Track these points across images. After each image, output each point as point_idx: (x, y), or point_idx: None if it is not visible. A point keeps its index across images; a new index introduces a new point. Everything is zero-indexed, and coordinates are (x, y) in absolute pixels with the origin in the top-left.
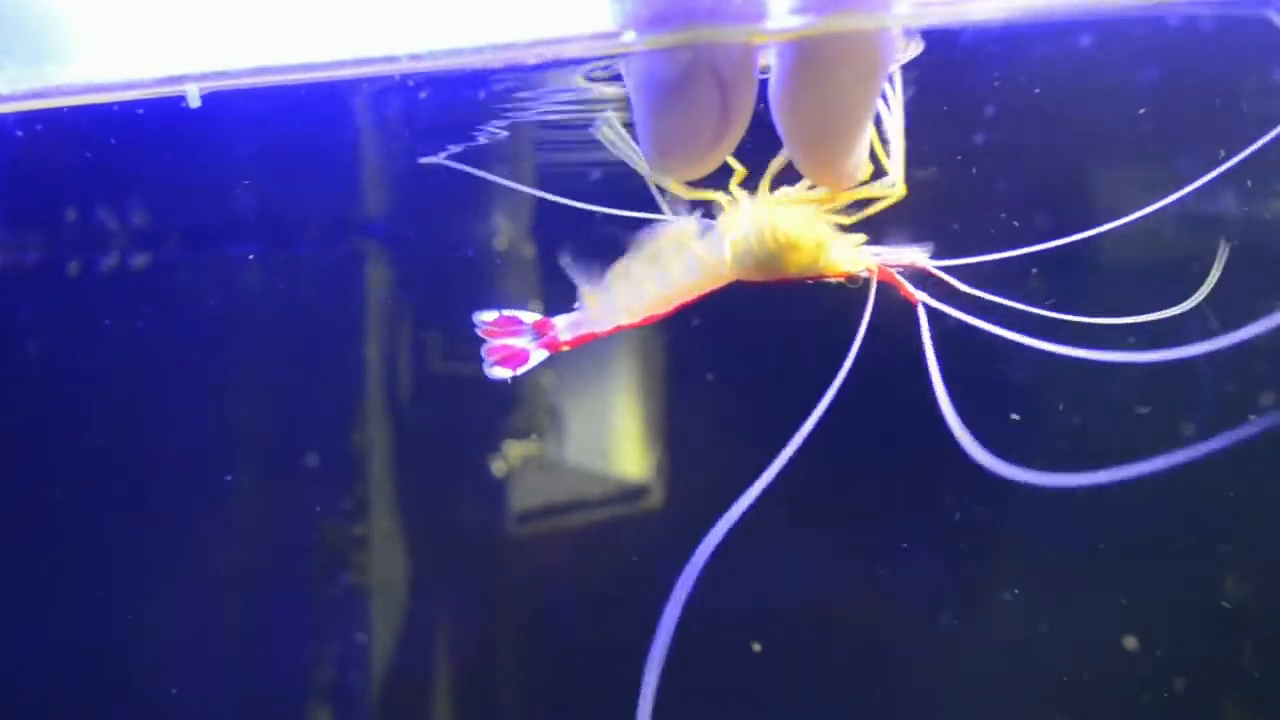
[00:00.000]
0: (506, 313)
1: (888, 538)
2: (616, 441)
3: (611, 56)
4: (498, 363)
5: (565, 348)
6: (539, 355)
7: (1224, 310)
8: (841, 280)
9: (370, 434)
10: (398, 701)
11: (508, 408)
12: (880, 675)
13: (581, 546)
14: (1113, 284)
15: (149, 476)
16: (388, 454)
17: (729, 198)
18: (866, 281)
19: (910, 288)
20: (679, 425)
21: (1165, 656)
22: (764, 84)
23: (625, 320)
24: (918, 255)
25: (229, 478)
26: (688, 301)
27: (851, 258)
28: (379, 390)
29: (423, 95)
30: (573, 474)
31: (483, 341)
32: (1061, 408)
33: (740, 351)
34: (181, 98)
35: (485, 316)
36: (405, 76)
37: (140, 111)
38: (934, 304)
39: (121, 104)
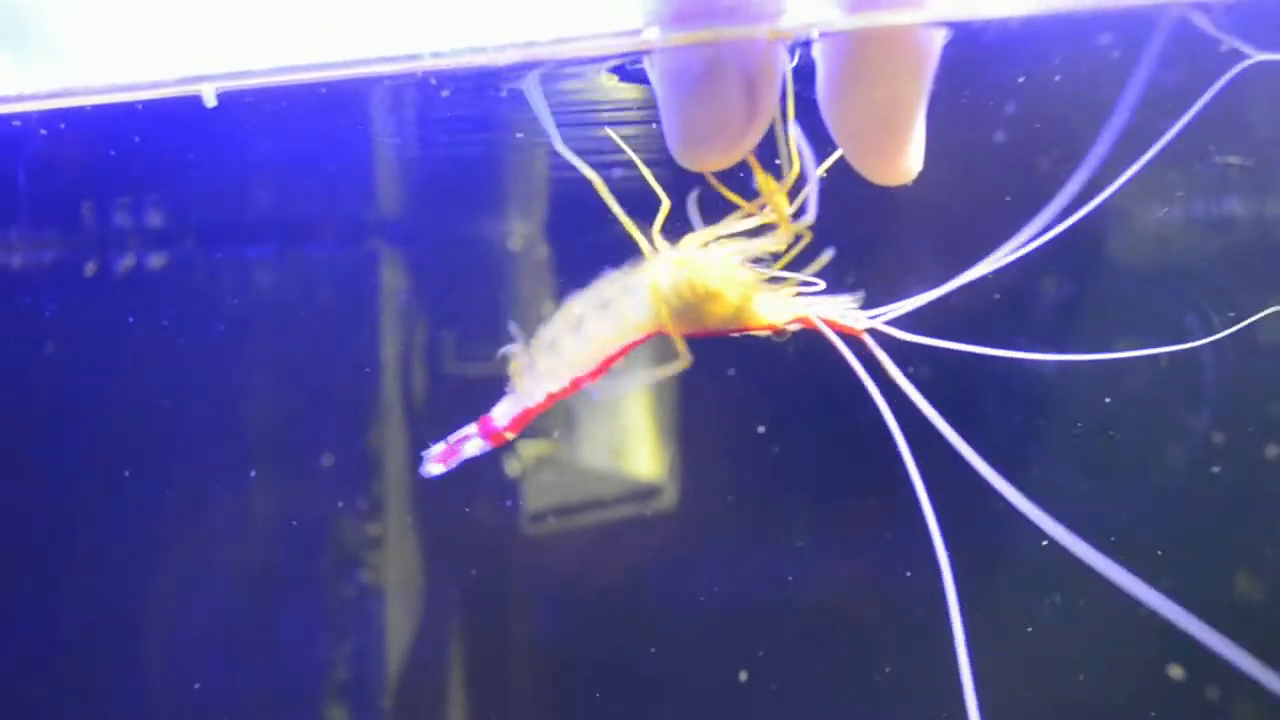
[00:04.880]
0: (450, 440)
1: (893, 538)
2: (630, 442)
3: (634, 53)
4: (436, 459)
5: (509, 434)
6: (479, 445)
7: (1229, 310)
8: (769, 333)
9: (385, 434)
10: (412, 700)
11: None
12: (886, 676)
13: (595, 546)
14: (1120, 286)
15: (165, 475)
16: (402, 453)
17: (648, 245)
18: (793, 335)
19: (847, 325)
20: (692, 426)
21: (1174, 654)
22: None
23: (554, 388)
24: (850, 307)
25: (246, 476)
26: (612, 358)
27: (778, 310)
28: (394, 390)
29: (445, 94)
30: (586, 474)
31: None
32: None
33: (753, 352)
34: (202, 98)
35: (434, 452)
36: (427, 74)
37: (161, 112)
38: (880, 329)
39: (145, 103)
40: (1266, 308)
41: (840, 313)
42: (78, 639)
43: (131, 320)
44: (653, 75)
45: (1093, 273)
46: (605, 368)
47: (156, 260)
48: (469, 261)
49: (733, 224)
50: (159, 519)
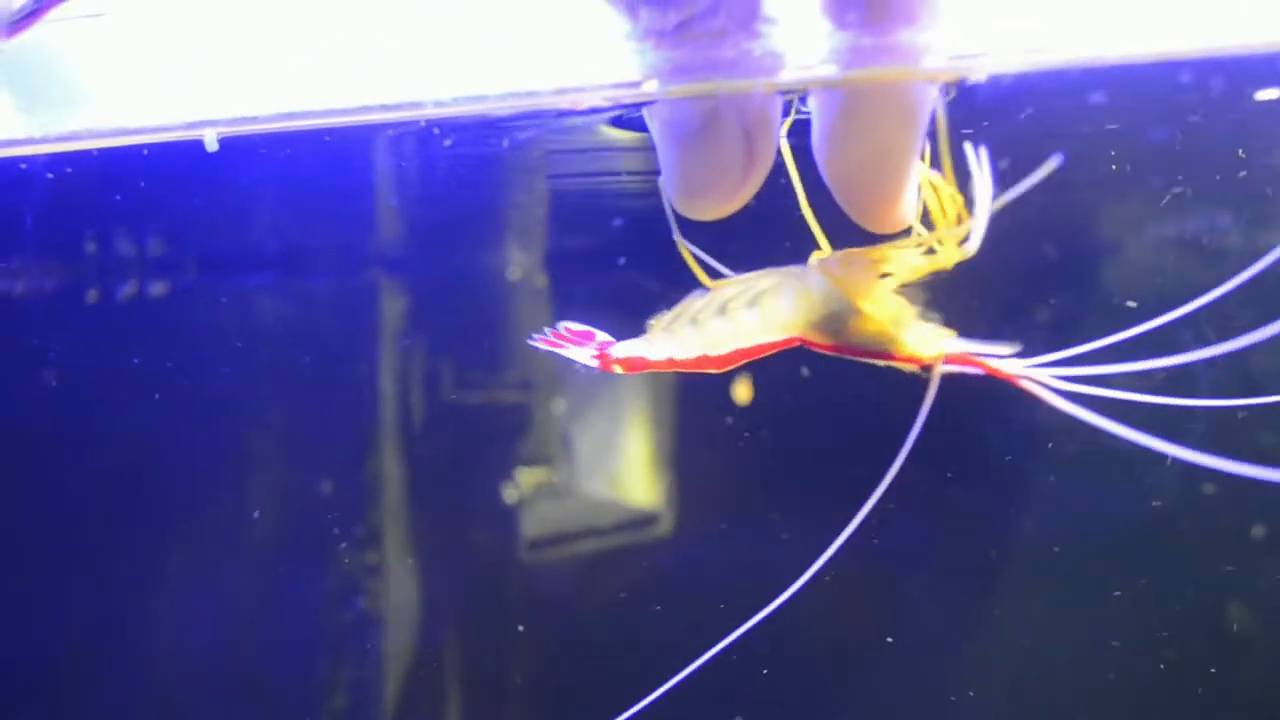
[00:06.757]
0: (572, 329)
1: (892, 567)
2: (627, 470)
3: (634, 105)
4: (544, 339)
5: (616, 368)
6: (586, 356)
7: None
8: (912, 366)
9: (384, 462)
10: None
11: (520, 436)
12: (883, 709)
13: (592, 573)
14: (1124, 316)
15: (166, 504)
16: (401, 482)
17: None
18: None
19: (1003, 371)
20: (689, 454)
21: (1167, 676)
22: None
23: (679, 355)
24: (1005, 357)
25: (245, 504)
26: (744, 352)
27: (927, 343)
28: (393, 419)
29: (447, 144)
30: (584, 501)
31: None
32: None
33: (750, 380)
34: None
35: (561, 327)
36: (430, 123)
37: (167, 154)
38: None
39: (150, 147)
40: (1262, 332)
41: (994, 359)
42: (76, 661)
43: (137, 355)
44: (652, 126)
45: (1090, 294)
46: (733, 360)
47: (161, 295)
48: (468, 291)
49: (897, 250)
50: (160, 545)
